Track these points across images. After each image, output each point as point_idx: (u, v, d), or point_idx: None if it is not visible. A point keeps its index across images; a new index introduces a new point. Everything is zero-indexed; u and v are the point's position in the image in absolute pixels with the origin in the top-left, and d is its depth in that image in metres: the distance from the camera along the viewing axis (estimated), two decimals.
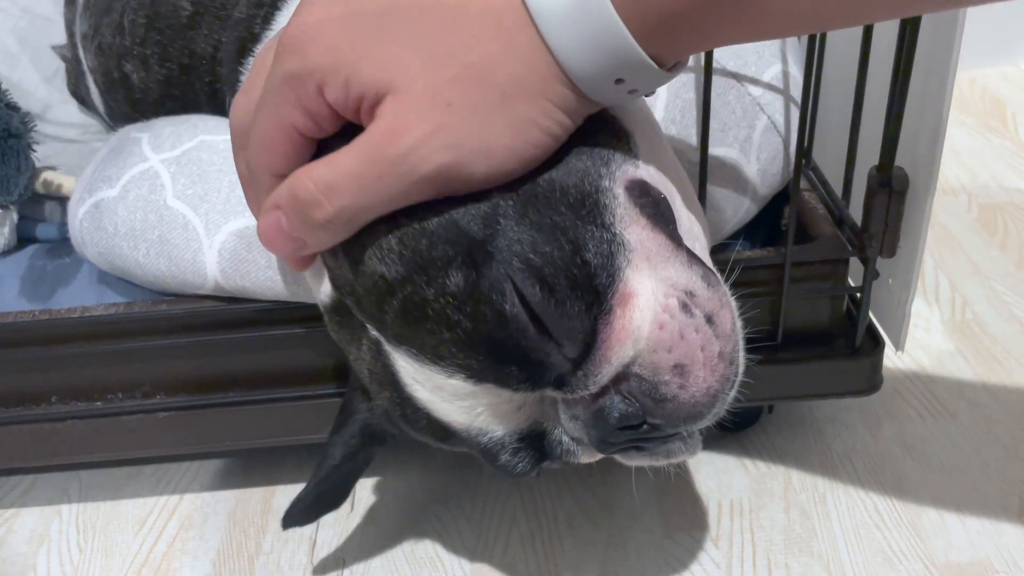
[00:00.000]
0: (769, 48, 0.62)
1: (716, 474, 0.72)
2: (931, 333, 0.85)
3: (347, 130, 0.39)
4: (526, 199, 0.40)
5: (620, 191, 0.42)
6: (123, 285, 0.66)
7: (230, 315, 0.62)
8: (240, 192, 0.60)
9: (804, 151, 0.68)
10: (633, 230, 0.42)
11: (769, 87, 0.61)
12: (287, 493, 0.74)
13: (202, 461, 0.78)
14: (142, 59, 0.71)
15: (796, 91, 0.62)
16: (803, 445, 0.74)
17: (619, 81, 0.38)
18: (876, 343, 0.64)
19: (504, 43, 0.37)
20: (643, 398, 0.42)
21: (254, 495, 0.75)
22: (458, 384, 0.42)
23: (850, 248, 0.61)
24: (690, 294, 0.42)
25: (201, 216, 0.60)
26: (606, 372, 0.41)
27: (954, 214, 1.02)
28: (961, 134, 1.19)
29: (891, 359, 0.81)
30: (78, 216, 0.63)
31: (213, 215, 0.60)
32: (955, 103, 1.11)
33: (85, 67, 0.79)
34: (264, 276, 0.59)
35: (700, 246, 0.46)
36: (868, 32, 0.57)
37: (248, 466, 0.77)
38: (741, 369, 0.44)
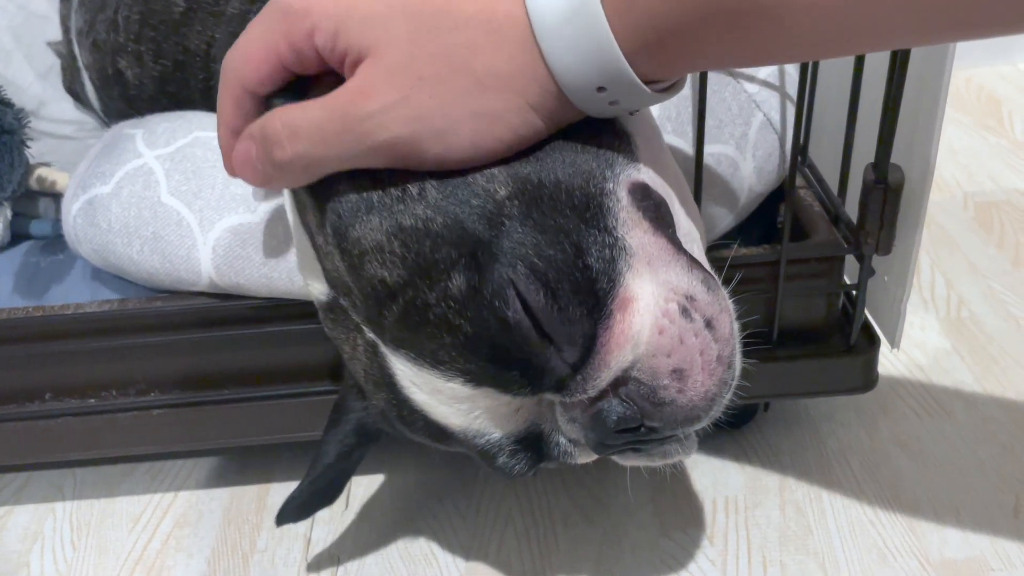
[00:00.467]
0: None
1: (712, 472, 0.72)
2: (927, 331, 0.85)
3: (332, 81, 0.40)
4: (531, 199, 0.40)
5: (623, 194, 0.42)
6: (117, 282, 0.66)
7: (224, 312, 0.62)
8: (235, 189, 0.59)
9: (800, 148, 0.68)
10: (635, 234, 0.42)
11: (765, 84, 0.61)
12: (282, 490, 0.74)
13: (197, 458, 0.78)
14: (136, 55, 0.71)
15: (792, 88, 0.62)
16: (799, 443, 0.74)
17: (601, 90, 0.38)
18: (872, 341, 0.64)
19: (491, 32, 0.37)
20: (641, 402, 0.42)
21: (249, 492, 0.74)
22: (457, 387, 0.42)
23: (846, 246, 0.61)
24: (690, 298, 0.42)
25: (195, 213, 0.60)
26: (605, 377, 0.41)
27: (951, 212, 1.02)
28: (958, 133, 1.19)
29: (887, 357, 0.81)
30: (72, 212, 0.63)
31: (207, 212, 0.59)
32: (952, 102, 1.11)
33: (80, 63, 0.79)
34: (258, 273, 0.59)
35: (697, 248, 0.46)
36: None
37: (243, 463, 0.77)
38: (738, 372, 0.44)
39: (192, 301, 0.62)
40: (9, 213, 0.73)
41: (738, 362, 0.44)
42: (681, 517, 0.69)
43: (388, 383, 0.46)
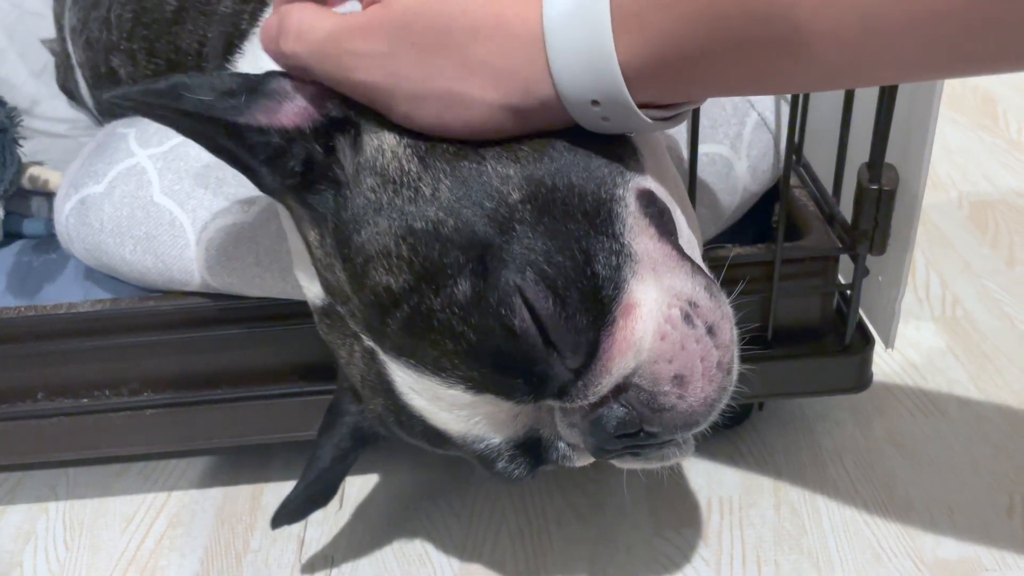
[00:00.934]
0: None
1: (706, 471, 0.72)
2: (921, 331, 0.85)
3: None
4: (544, 203, 0.40)
5: (632, 200, 0.42)
6: (110, 281, 0.65)
7: (217, 312, 0.62)
8: (227, 189, 0.59)
9: (795, 148, 0.68)
10: (641, 240, 0.42)
11: None
12: (275, 490, 0.73)
13: (190, 458, 0.78)
14: (129, 54, 0.71)
15: None
16: (793, 442, 0.74)
17: (595, 104, 0.38)
18: (866, 340, 0.64)
19: (498, 26, 0.38)
20: (641, 407, 0.42)
21: (242, 492, 0.74)
22: (458, 394, 0.42)
23: (840, 245, 0.61)
24: (693, 304, 0.42)
25: (188, 212, 0.59)
26: (606, 383, 0.41)
27: (945, 212, 1.02)
28: (953, 132, 1.19)
29: (881, 356, 0.81)
30: (64, 212, 0.63)
31: (200, 211, 0.59)
32: (947, 101, 1.12)
33: (74, 61, 0.79)
34: (251, 273, 0.59)
35: (696, 255, 0.47)
36: None
37: (236, 463, 0.77)
38: (735, 377, 0.44)
39: (185, 301, 0.62)
40: (1, 212, 0.73)
41: (736, 367, 0.44)
42: (675, 517, 0.69)
43: (386, 389, 0.46)
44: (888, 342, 0.65)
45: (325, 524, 0.71)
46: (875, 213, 0.57)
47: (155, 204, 0.60)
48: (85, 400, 0.66)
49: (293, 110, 0.43)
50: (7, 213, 0.74)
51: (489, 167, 0.41)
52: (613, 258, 0.41)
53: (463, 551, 0.68)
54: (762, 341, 0.63)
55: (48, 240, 0.73)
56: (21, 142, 0.72)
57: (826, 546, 0.65)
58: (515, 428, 0.45)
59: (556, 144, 0.42)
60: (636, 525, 0.68)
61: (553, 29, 0.37)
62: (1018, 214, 1.00)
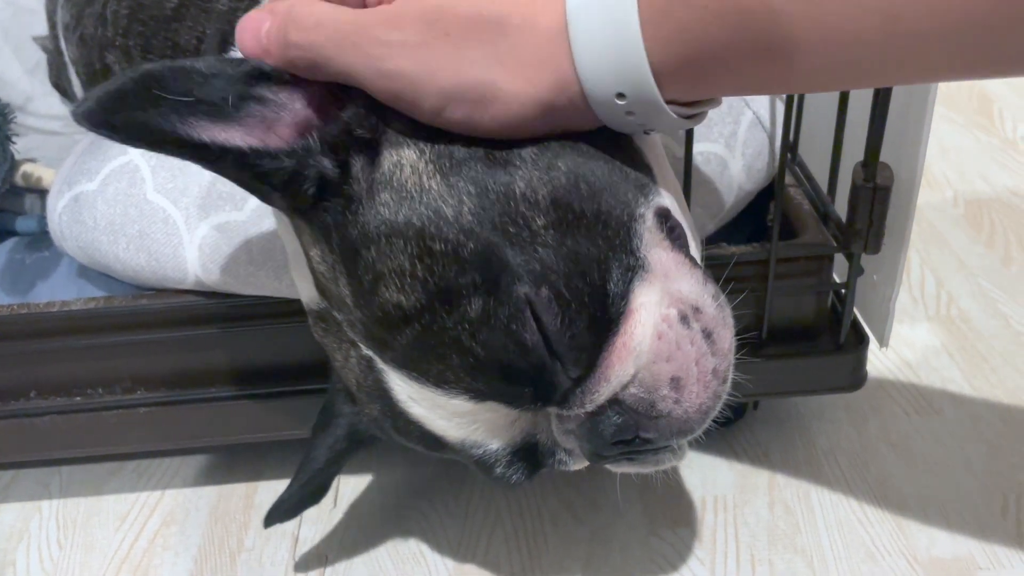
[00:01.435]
0: None
1: (701, 470, 0.72)
2: (916, 329, 0.85)
3: None
4: (569, 227, 0.40)
5: (651, 217, 0.43)
6: (103, 279, 0.65)
7: (210, 310, 0.62)
8: (221, 187, 0.59)
9: (790, 146, 0.68)
10: (656, 252, 0.42)
11: None
12: (269, 489, 0.73)
13: (184, 457, 0.78)
14: (124, 50, 0.70)
15: None
16: (788, 441, 0.74)
17: (621, 97, 0.38)
18: (860, 339, 0.64)
19: (526, 18, 0.38)
20: (638, 414, 0.42)
21: (236, 491, 0.74)
22: (459, 403, 0.42)
23: (835, 244, 0.61)
24: (696, 309, 0.42)
25: (181, 210, 0.59)
26: (604, 391, 0.41)
27: (941, 210, 1.02)
28: (949, 131, 1.19)
29: (876, 355, 0.81)
30: (57, 210, 0.63)
31: (193, 209, 0.59)
32: (942, 100, 1.12)
33: (67, 58, 0.78)
34: (245, 271, 0.58)
35: (698, 260, 0.47)
36: None
37: (230, 462, 0.77)
38: (729, 387, 0.44)
39: (178, 299, 0.61)
40: None
41: (731, 377, 0.44)
42: (670, 516, 0.69)
43: (383, 396, 0.46)
44: (883, 341, 0.65)
45: (319, 523, 0.71)
46: (870, 212, 0.57)
47: (148, 202, 0.60)
48: (78, 398, 0.65)
49: (293, 120, 0.41)
50: (0, 210, 0.74)
51: (517, 190, 0.40)
52: (628, 273, 0.41)
53: (458, 550, 0.68)
54: (757, 340, 0.63)
55: (41, 238, 0.72)
56: (14, 139, 0.72)
57: (820, 544, 0.65)
58: (513, 434, 0.45)
59: (589, 167, 0.41)
60: (631, 524, 0.68)
61: (576, 19, 0.37)
62: (1014, 213, 1.00)
